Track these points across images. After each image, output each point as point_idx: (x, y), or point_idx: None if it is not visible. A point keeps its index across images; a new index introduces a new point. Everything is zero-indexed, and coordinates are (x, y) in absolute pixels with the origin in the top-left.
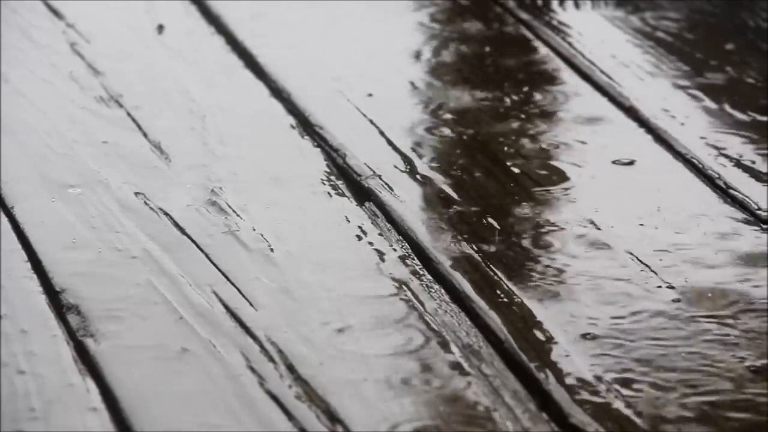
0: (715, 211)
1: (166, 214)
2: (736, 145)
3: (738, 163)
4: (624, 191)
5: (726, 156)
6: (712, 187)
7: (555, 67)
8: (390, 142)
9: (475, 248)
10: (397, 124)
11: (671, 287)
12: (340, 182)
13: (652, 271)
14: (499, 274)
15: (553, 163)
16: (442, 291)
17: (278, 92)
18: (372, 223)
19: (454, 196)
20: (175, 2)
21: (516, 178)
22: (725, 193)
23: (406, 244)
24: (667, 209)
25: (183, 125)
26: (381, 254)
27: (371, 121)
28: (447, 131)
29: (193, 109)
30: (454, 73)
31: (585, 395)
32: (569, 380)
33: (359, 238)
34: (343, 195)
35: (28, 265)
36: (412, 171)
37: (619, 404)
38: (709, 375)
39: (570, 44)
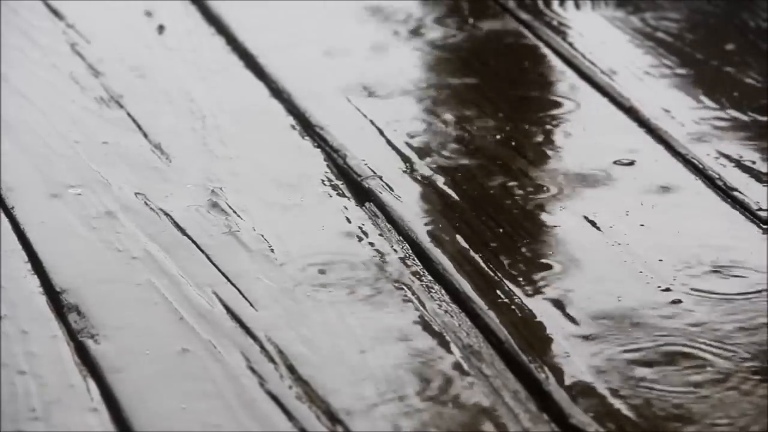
0: (715, 211)
1: (167, 214)
2: (736, 145)
3: (738, 163)
4: (624, 191)
5: (726, 156)
6: (712, 187)
7: (555, 67)
8: (390, 143)
9: (476, 249)
10: (398, 125)
11: (671, 287)
12: (341, 182)
13: (652, 271)
14: (499, 274)
15: (553, 163)
16: (443, 291)
17: (278, 92)
18: (372, 223)
19: (454, 196)
20: (175, 2)
21: (516, 178)
22: (725, 193)
23: (407, 245)
24: (667, 210)
25: (183, 125)
26: (381, 255)
27: (371, 122)
28: (447, 131)
29: (193, 109)
30: (455, 73)
31: (585, 395)
32: (569, 380)
33: (360, 238)
34: (343, 195)
35: (28, 265)
36: (412, 171)
37: (619, 404)
38: (709, 375)
39: (570, 44)
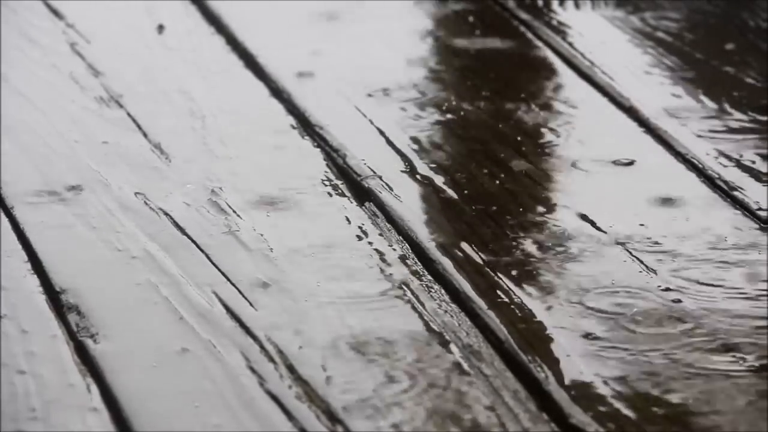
0: (715, 211)
1: (166, 214)
2: (736, 145)
3: (738, 163)
4: (624, 191)
5: (726, 156)
6: (712, 187)
7: (555, 67)
8: (390, 142)
9: (476, 248)
10: (397, 124)
11: (671, 287)
12: (340, 182)
13: (652, 271)
14: (499, 274)
15: (553, 163)
16: (442, 291)
17: (278, 93)
18: (372, 223)
19: (454, 196)
20: (175, 2)
21: (516, 178)
22: (725, 193)
23: (406, 245)
24: (666, 209)
25: (183, 125)
26: (381, 254)
27: (371, 121)
28: (447, 131)
29: (193, 109)
30: (454, 73)
31: (585, 395)
32: (569, 380)
33: (359, 238)
34: (343, 195)
35: (28, 265)
36: (412, 171)
37: (619, 404)
38: (709, 375)
39: (570, 44)
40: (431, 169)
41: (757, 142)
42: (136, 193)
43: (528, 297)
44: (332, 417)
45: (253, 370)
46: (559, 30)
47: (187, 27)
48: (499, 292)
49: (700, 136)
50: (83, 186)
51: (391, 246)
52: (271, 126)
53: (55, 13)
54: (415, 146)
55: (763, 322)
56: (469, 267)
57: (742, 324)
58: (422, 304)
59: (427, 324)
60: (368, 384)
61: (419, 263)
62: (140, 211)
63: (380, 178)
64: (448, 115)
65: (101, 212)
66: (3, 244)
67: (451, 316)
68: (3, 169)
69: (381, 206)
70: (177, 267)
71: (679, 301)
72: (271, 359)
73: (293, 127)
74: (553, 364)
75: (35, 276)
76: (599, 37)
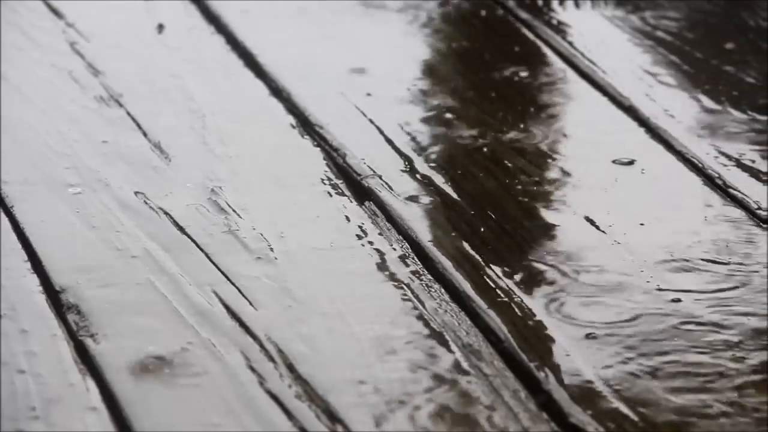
0: (715, 211)
1: (166, 213)
2: (736, 145)
3: (738, 163)
4: (624, 191)
5: (726, 156)
6: (712, 187)
7: (555, 66)
8: (390, 142)
9: (475, 248)
10: (397, 124)
11: (671, 287)
12: (340, 182)
13: (652, 270)
14: (499, 273)
15: (553, 162)
16: (442, 290)
17: (278, 92)
18: (372, 222)
19: (454, 195)
20: (175, 2)
21: (516, 178)
22: (725, 192)
23: (406, 244)
24: (666, 209)
25: (183, 125)
26: (381, 254)
27: (371, 121)
28: (447, 130)
29: (193, 108)
30: (454, 72)
31: (585, 395)
32: (569, 380)
33: (359, 237)
34: (343, 194)
35: (28, 264)
36: (412, 171)
37: (619, 404)
38: (709, 375)
39: (570, 44)
40: (431, 168)
41: (757, 141)
42: (135, 193)
43: (528, 296)
44: (332, 416)
45: (253, 370)
46: (559, 29)
47: (187, 26)
48: (499, 292)
49: (700, 136)
50: (83, 185)
51: (391, 245)
52: (270, 125)
53: (55, 12)
54: (415, 145)
55: (763, 322)
56: (468, 266)
57: (741, 324)
58: (422, 304)
59: (427, 323)
60: (368, 383)
61: (419, 263)
62: (140, 211)
63: (380, 177)
64: (448, 114)
65: (101, 211)
66: (3, 243)
67: (451, 316)
68: (3, 167)
69: (381, 205)
70: (177, 266)
71: (679, 300)
72: (271, 359)
73: (293, 127)
74: (553, 363)
75: (35, 275)
76: (599, 36)
